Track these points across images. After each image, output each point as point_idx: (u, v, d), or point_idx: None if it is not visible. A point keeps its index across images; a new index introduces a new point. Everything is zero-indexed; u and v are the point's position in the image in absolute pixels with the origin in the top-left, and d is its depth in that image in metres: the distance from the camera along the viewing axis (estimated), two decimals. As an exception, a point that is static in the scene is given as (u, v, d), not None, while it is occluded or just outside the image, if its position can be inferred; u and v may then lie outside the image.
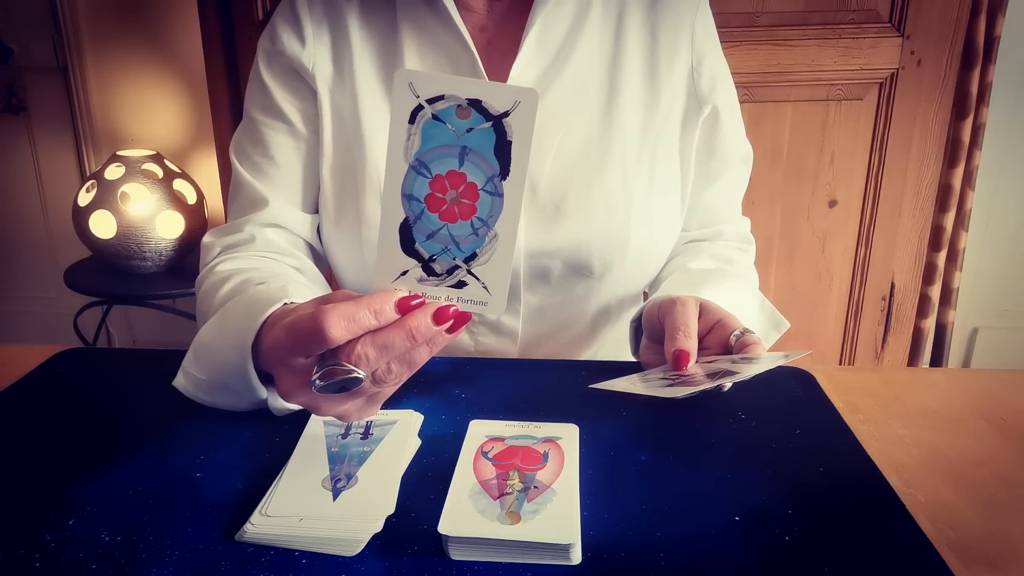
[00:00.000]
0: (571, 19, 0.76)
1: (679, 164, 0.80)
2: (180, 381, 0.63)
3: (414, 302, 0.48)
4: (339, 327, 0.46)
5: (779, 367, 0.72)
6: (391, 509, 0.49)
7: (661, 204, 0.79)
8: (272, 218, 0.77)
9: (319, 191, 0.80)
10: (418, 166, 0.48)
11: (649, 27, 0.77)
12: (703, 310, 0.66)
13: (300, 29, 0.76)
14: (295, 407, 0.61)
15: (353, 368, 0.47)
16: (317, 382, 0.48)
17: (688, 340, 0.62)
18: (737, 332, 0.63)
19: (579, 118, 0.75)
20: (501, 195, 0.48)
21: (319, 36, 0.76)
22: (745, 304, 0.76)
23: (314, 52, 0.76)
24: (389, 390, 0.52)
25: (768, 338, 0.78)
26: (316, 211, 0.81)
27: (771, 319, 0.79)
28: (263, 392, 0.59)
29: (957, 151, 1.54)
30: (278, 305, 0.58)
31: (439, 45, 0.75)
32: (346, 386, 0.48)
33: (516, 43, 0.74)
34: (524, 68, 0.74)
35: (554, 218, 0.75)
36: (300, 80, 0.77)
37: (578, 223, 0.75)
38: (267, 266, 0.74)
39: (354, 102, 0.75)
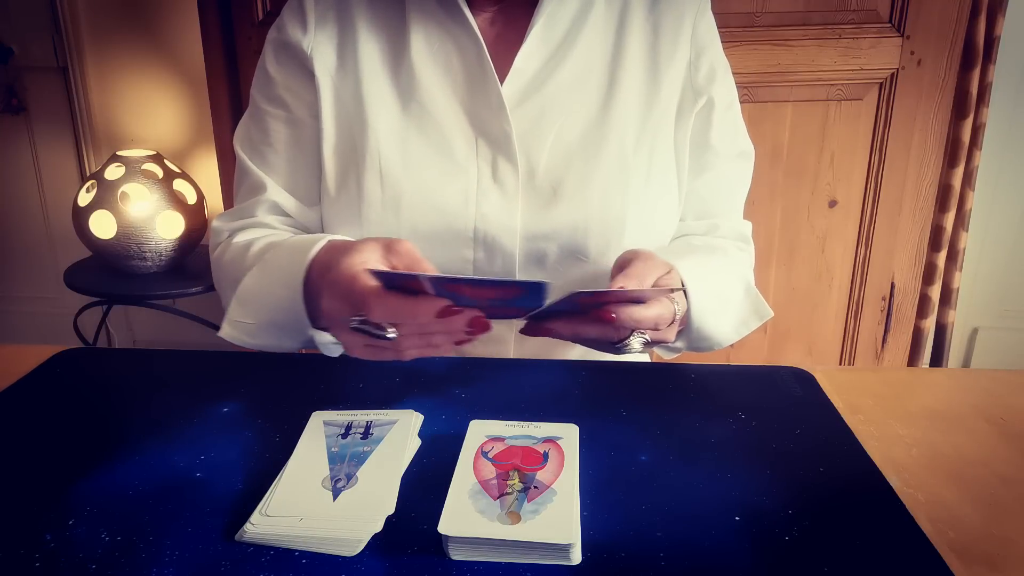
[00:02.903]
0: (575, 14, 0.79)
1: (675, 153, 0.81)
2: (227, 331, 0.71)
3: (453, 309, 0.54)
4: (381, 314, 0.55)
5: (780, 368, 0.72)
6: (391, 509, 0.49)
7: (658, 193, 0.80)
8: (271, 199, 0.81)
9: (314, 180, 0.82)
10: None
11: (651, 23, 0.80)
12: (669, 276, 0.67)
13: (303, 17, 0.80)
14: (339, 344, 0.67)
15: (386, 328, 0.56)
16: (353, 321, 0.57)
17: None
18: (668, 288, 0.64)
19: (579, 106, 0.78)
20: None
21: (322, 23, 0.80)
22: (728, 284, 0.77)
23: (315, 39, 0.79)
24: (412, 355, 0.58)
25: (749, 324, 0.79)
26: (306, 200, 0.83)
27: (754, 306, 0.79)
28: (310, 328, 0.67)
29: (957, 151, 1.54)
30: (323, 242, 0.67)
31: (447, 34, 0.78)
32: (375, 336, 0.56)
33: (523, 35, 0.77)
34: (527, 58, 0.77)
35: (551, 201, 0.76)
36: (302, 68, 0.80)
37: (575, 206, 0.76)
38: (283, 233, 0.80)
39: (357, 87, 0.78)
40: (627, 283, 0.63)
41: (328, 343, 0.71)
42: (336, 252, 0.63)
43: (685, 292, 0.69)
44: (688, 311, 0.70)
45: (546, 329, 0.63)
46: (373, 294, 0.55)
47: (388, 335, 0.56)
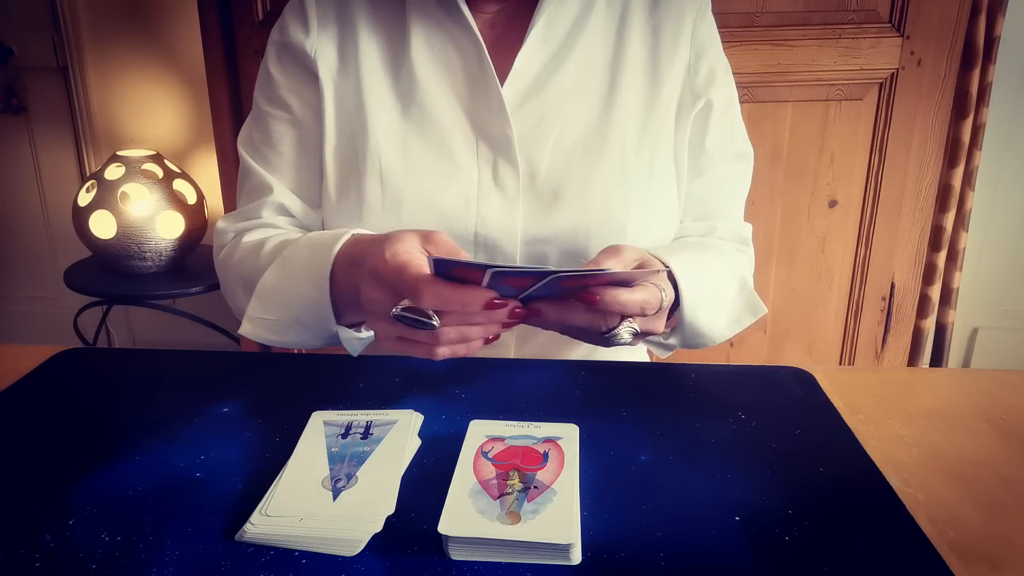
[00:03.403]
0: (575, 16, 0.79)
1: (674, 156, 0.81)
2: (247, 328, 0.71)
3: (497, 301, 0.55)
4: (431, 301, 0.54)
5: (780, 368, 0.72)
6: (391, 509, 0.49)
7: (659, 196, 0.80)
8: (277, 200, 0.81)
9: (316, 181, 0.82)
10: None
11: (652, 26, 0.80)
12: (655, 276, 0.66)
13: (305, 18, 0.80)
14: (364, 336, 0.69)
15: (431, 315, 0.55)
16: (397, 310, 0.56)
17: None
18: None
19: (579, 109, 0.77)
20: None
21: (324, 25, 0.79)
22: (721, 279, 0.76)
23: (317, 40, 0.79)
24: (444, 353, 0.58)
25: (742, 320, 0.78)
26: (310, 202, 0.83)
27: (748, 302, 0.78)
28: (334, 323, 0.67)
29: (957, 151, 1.54)
30: (347, 236, 0.67)
31: (447, 36, 0.78)
32: (418, 325, 0.55)
33: (523, 38, 0.77)
34: (527, 60, 0.77)
35: (552, 205, 0.76)
36: (305, 70, 0.80)
37: (576, 210, 0.76)
38: (294, 232, 0.80)
39: (358, 89, 0.78)
40: (608, 265, 0.62)
41: (351, 339, 0.70)
42: (367, 244, 0.62)
43: (676, 288, 0.68)
44: (681, 307, 0.69)
45: (533, 309, 0.62)
46: (425, 280, 0.55)
47: (432, 323, 0.55)
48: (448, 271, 0.55)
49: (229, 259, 0.80)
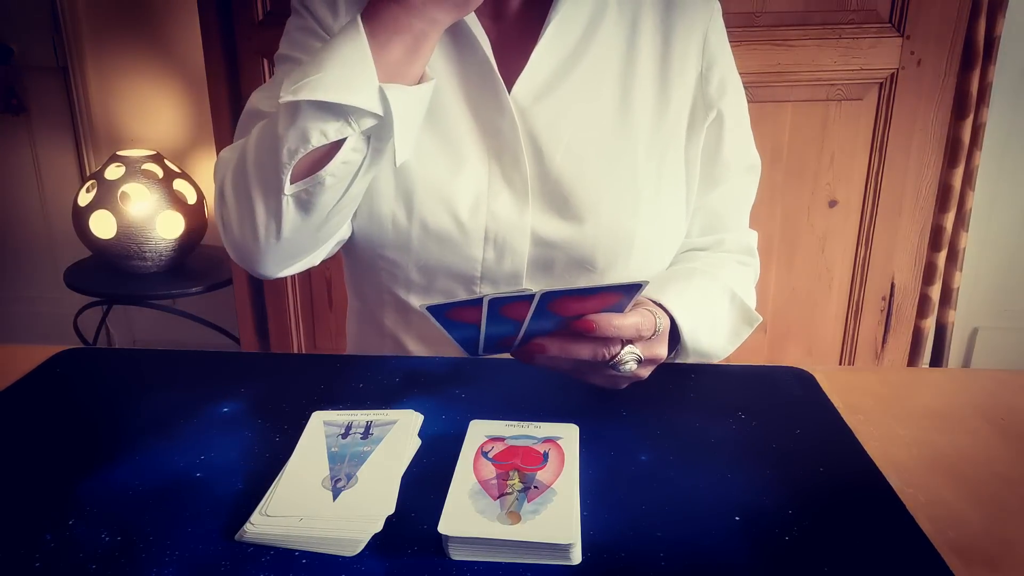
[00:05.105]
0: (588, 18, 0.78)
1: (685, 167, 0.80)
2: (287, 95, 0.61)
3: None
4: None
5: (780, 368, 0.72)
6: (391, 509, 0.49)
7: (668, 205, 0.79)
8: None
9: None
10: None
11: (663, 31, 0.79)
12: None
13: (334, 1, 0.77)
14: (415, 92, 0.64)
15: None
16: None
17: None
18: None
19: (591, 115, 0.77)
20: None
21: (351, 11, 0.77)
22: (712, 300, 0.76)
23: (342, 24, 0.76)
24: None
25: (740, 333, 0.78)
26: None
27: (742, 314, 0.78)
28: (370, 54, 0.61)
29: (957, 151, 1.54)
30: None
31: (449, 33, 0.76)
32: None
33: (529, 38, 0.76)
34: (540, 61, 0.76)
35: (562, 211, 0.76)
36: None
37: (585, 217, 0.76)
38: None
39: None
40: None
41: (401, 98, 0.63)
42: None
43: (673, 320, 0.68)
44: (680, 335, 0.69)
45: (538, 345, 0.61)
46: None
47: None
48: (443, 313, 0.56)
49: (246, 146, 0.68)
